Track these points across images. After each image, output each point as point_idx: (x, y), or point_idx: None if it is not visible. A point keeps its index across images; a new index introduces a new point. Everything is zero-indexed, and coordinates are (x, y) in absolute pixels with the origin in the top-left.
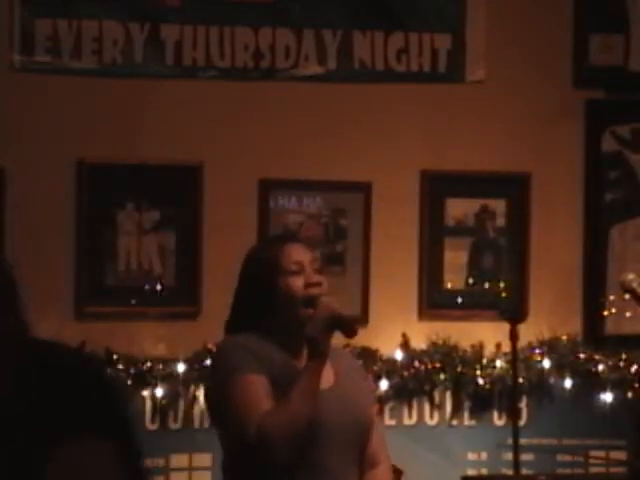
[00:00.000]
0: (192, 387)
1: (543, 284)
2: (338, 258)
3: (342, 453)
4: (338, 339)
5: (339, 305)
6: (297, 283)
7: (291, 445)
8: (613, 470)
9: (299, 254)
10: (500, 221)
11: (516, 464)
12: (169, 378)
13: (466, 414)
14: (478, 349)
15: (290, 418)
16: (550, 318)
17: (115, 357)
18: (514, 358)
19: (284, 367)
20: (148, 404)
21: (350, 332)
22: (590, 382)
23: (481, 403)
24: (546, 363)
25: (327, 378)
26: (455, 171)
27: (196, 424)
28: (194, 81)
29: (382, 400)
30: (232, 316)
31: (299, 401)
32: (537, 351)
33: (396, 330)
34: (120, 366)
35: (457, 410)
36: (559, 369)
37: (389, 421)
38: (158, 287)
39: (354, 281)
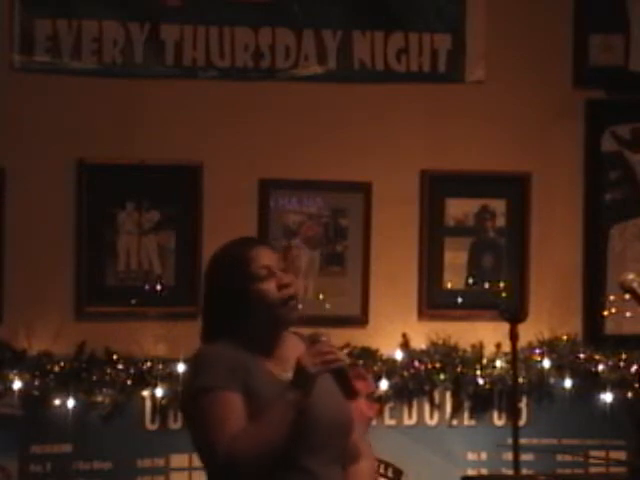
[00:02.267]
0: None
1: (543, 284)
2: (338, 258)
3: (326, 455)
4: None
5: (347, 360)
6: (270, 287)
7: (258, 469)
8: (613, 470)
9: (265, 257)
10: (500, 221)
11: (516, 464)
12: (169, 378)
13: (466, 414)
14: (478, 349)
15: (260, 445)
16: (550, 318)
17: (115, 357)
18: (514, 358)
19: (260, 374)
20: (148, 404)
21: (350, 395)
22: (590, 382)
23: (481, 403)
24: (546, 363)
25: None
26: (455, 171)
27: None
28: (194, 81)
29: (382, 400)
30: (205, 323)
31: (271, 431)
32: (537, 351)
33: (396, 330)
34: (120, 366)
35: (457, 410)
36: (559, 369)
37: (389, 421)
38: (158, 287)
39: (354, 281)
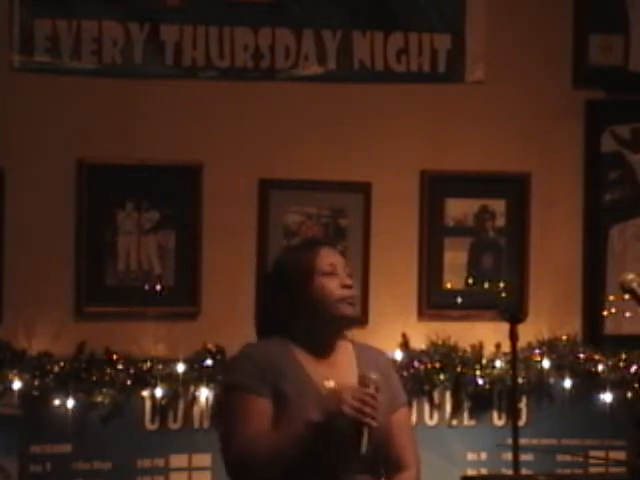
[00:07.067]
0: (192, 387)
1: (543, 284)
2: None
3: (354, 463)
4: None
5: (375, 424)
6: (331, 283)
7: (266, 477)
8: (613, 470)
9: (333, 257)
10: (500, 221)
11: (516, 464)
12: (169, 378)
13: (466, 414)
14: (478, 349)
15: (271, 457)
16: (550, 318)
17: (115, 357)
18: (514, 358)
19: (294, 376)
20: (148, 404)
21: (357, 447)
22: (590, 382)
23: (481, 403)
24: (546, 363)
25: (349, 379)
26: (455, 171)
27: (196, 424)
28: (194, 81)
29: None
30: (262, 319)
31: (285, 447)
32: (537, 351)
33: (396, 330)
34: (120, 366)
35: (457, 410)
36: (559, 369)
37: None
38: (158, 287)
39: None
